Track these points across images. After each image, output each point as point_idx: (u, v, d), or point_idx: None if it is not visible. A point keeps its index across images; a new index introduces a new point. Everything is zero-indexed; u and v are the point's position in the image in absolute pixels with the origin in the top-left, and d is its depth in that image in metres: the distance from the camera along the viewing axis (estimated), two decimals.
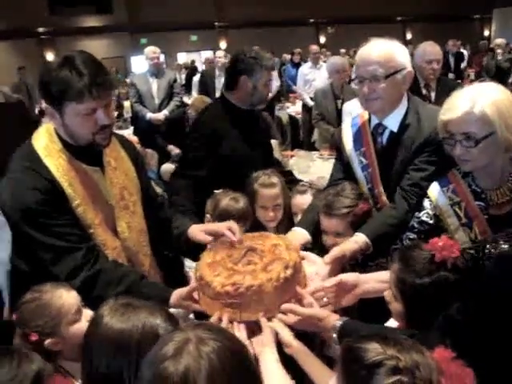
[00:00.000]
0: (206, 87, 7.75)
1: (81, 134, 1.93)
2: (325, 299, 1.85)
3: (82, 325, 1.77)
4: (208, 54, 16.31)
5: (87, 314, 1.82)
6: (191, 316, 2.03)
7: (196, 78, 8.76)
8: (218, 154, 2.96)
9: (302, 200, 2.73)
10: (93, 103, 1.85)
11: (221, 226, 2.04)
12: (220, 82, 7.80)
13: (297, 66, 10.95)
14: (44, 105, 1.96)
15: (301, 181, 3.22)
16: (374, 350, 1.16)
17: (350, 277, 1.87)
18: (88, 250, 1.93)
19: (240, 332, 1.63)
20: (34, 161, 1.94)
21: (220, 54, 8.21)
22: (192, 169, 2.99)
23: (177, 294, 1.89)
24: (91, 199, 2.00)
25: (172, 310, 1.87)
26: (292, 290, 1.76)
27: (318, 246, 2.31)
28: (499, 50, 11.23)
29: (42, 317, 1.73)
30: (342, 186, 2.28)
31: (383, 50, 2.17)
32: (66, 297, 1.78)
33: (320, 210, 2.25)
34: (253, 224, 2.56)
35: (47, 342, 1.72)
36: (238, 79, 3.03)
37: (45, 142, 1.98)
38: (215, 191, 2.72)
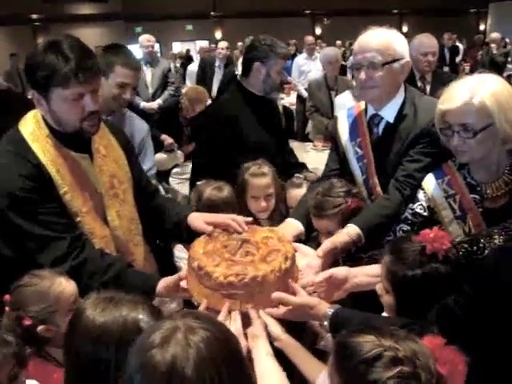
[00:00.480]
0: (204, 76, 7.71)
1: (68, 121, 1.90)
2: (315, 294, 1.84)
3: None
4: (203, 43, 16.20)
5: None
6: (173, 305, 2.02)
7: (191, 68, 8.69)
8: (234, 139, 3.00)
9: (298, 193, 2.70)
10: (79, 88, 1.82)
11: (224, 218, 1.99)
12: (220, 72, 7.78)
13: (292, 57, 10.91)
14: (31, 91, 1.91)
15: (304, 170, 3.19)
16: (369, 343, 1.13)
17: (340, 271, 1.86)
18: (73, 239, 1.89)
19: (235, 322, 1.62)
20: (20, 146, 1.90)
21: (223, 44, 8.15)
22: (207, 153, 3.09)
23: (164, 282, 1.86)
24: (79, 187, 1.96)
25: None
26: (288, 281, 1.76)
27: (311, 238, 2.30)
28: (493, 45, 11.24)
29: (38, 303, 1.73)
30: (330, 183, 2.25)
31: (382, 38, 2.16)
32: (66, 285, 1.78)
33: (310, 212, 2.24)
34: (245, 216, 2.54)
35: (40, 328, 1.71)
36: (252, 66, 3.09)
37: (32, 127, 1.94)
38: (197, 183, 2.72)
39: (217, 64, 7.78)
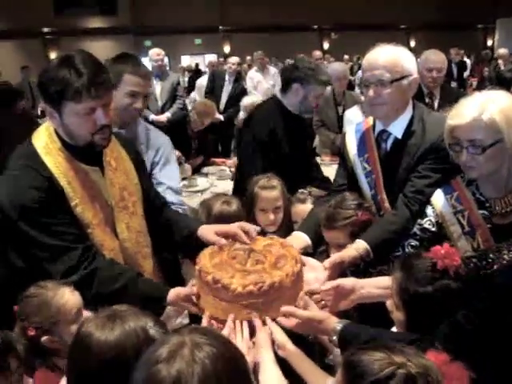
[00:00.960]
0: (214, 89, 7.77)
1: (79, 134, 1.92)
2: (322, 302, 1.85)
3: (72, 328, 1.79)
4: (212, 57, 16.33)
5: (87, 316, 1.83)
6: (179, 320, 2.02)
7: (200, 81, 8.75)
8: (272, 152, 3.11)
9: (303, 208, 2.72)
10: (91, 103, 1.85)
11: (232, 227, 2.00)
12: (229, 86, 7.85)
13: None
14: (43, 104, 1.95)
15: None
16: (380, 361, 1.11)
17: (347, 281, 1.86)
18: (84, 249, 1.92)
19: (243, 332, 1.62)
20: (33, 159, 1.93)
21: (234, 60, 8.21)
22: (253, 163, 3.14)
23: (175, 292, 1.86)
24: (90, 199, 1.98)
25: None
26: (300, 286, 1.77)
27: (318, 252, 2.31)
28: (500, 61, 11.24)
29: (41, 313, 1.75)
30: (342, 196, 2.28)
31: (390, 56, 2.18)
32: (69, 297, 1.79)
33: (321, 223, 2.25)
34: None
35: (43, 338, 1.73)
36: (291, 85, 3.19)
37: (44, 141, 1.97)
38: (204, 198, 2.74)
39: (227, 78, 7.83)
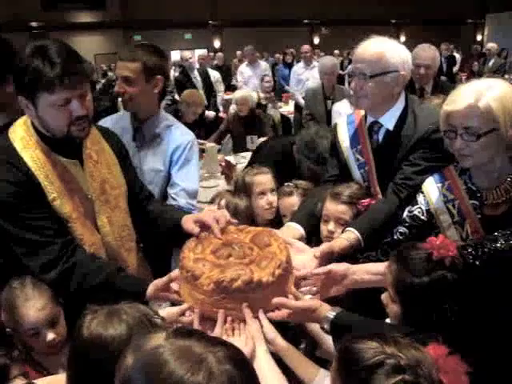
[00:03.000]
0: (186, 83, 7.93)
1: (55, 126, 1.87)
2: (314, 288, 1.85)
3: (41, 345, 1.85)
4: (202, 52, 16.26)
5: (49, 337, 1.86)
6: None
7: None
8: None
9: (289, 201, 2.73)
10: (65, 93, 1.79)
11: (209, 218, 1.92)
12: (199, 81, 8.06)
13: (289, 66, 10.95)
14: (19, 97, 1.86)
15: None
16: (372, 350, 1.14)
17: (339, 267, 1.86)
18: (64, 244, 1.88)
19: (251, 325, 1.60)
20: (9, 153, 1.88)
21: (201, 53, 8.54)
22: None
23: (154, 285, 1.83)
24: (69, 193, 1.94)
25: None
26: (287, 281, 1.75)
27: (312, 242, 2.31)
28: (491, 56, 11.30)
29: (6, 311, 1.83)
30: (349, 183, 2.33)
31: (375, 50, 2.19)
32: (33, 313, 1.82)
33: (327, 197, 2.28)
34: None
35: (7, 330, 1.83)
36: None
37: (21, 134, 1.92)
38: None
39: (195, 73, 8.17)
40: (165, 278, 1.82)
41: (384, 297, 1.71)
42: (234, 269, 1.64)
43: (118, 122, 2.71)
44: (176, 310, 1.72)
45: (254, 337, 1.55)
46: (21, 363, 1.74)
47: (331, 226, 2.25)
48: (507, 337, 1.62)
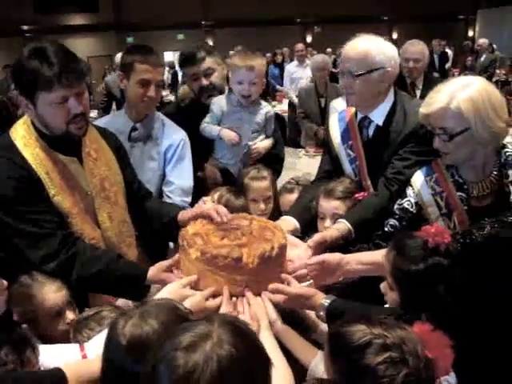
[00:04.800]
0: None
1: (54, 124, 1.94)
2: (308, 278, 1.90)
3: (61, 327, 1.87)
4: None
5: (69, 316, 1.90)
6: None
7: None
8: None
9: (291, 198, 2.77)
10: (63, 91, 1.87)
11: (208, 208, 2.04)
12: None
13: (279, 66, 11.02)
14: (19, 97, 1.97)
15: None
16: (360, 332, 1.21)
17: (333, 257, 1.91)
18: (64, 236, 1.94)
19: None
20: (10, 151, 1.95)
21: None
22: None
23: (156, 267, 1.90)
24: (68, 189, 2.00)
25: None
26: (282, 267, 1.83)
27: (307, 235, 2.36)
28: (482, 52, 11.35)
29: (23, 304, 1.83)
30: (341, 178, 2.37)
31: (360, 49, 2.24)
32: (51, 296, 1.86)
33: (320, 194, 2.32)
34: None
35: (23, 326, 1.81)
36: None
37: (22, 133, 2.00)
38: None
39: None
40: (169, 261, 1.90)
41: (383, 286, 1.76)
42: (226, 247, 1.73)
43: (111, 122, 2.74)
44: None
45: (258, 316, 1.62)
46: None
47: (327, 222, 2.29)
48: (494, 311, 1.70)
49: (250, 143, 2.91)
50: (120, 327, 1.26)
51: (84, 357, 1.58)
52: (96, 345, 1.56)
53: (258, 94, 2.93)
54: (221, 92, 3.07)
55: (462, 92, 1.85)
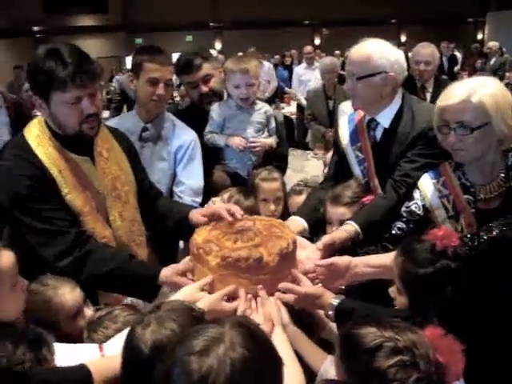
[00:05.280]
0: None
1: (67, 123, 1.98)
2: (316, 280, 1.90)
3: (81, 324, 1.86)
4: None
5: (87, 313, 1.90)
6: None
7: None
8: None
9: (299, 200, 2.77)
10: (77, 92, 1.90)
11: (218, 208, 2.06)
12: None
13: (288, 68, 11.01)
14: (34, 96, 2.01)
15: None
16: (371, 334, 1.22)
17: (342, 260, 1.92)
18: (78, 233, 1.97)
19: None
20: (24, 150, 1.99)
21: None
22: None
23: (169, 269, 1.91)
24: (81, 188, 2.03)
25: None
26: (292, 265, 1.84)
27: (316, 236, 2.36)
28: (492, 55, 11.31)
29: (42, 311, 1.81)
30: (348, 181, 2.38)
31: (362, 53, 2.26)
32: (68, 296, 1.86)
33: (327, 201, 2.34)
34: None
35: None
36: None
37: (36, 132, 2.03)
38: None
39: None
40: (183, 265, 1.91)
41: (391, 290, 1.77)
42: (244, 249, 1.73)
43: (122, 123, 2.76)
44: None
45: (272, 317, 1.63)
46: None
47: (335, 228, 2.29)
48: (502, 314, 1.71)
49: (253, 139, 2.94)
50: (139, 335, 1.25)
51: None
52: (114, 345, 1.57)
53: (255, 95, 2.97)
54: (220, 97, 3.08)
55: (482, 87, 1.86)
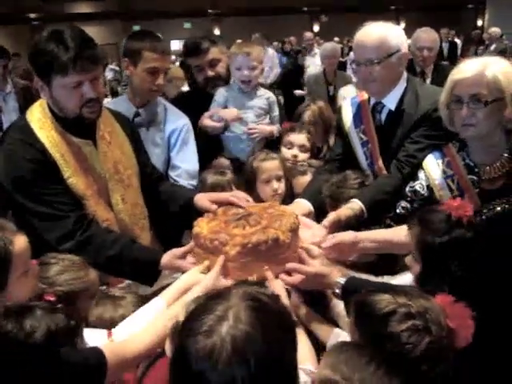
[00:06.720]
0: None
1: (68, 107, 1.98)
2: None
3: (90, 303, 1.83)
4: None
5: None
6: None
7: None
8: None
9: (303, 180, 2.77)
10: (77, 76, 1.90)
11: (227, 195, 2.08)
12: None
13: (287, 54, 10.94)
14: (35, 78, 2.00)
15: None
16: (385, 301, 1.27)
17: (347, 237, 1.93)
18: (79, 217, 1.98)
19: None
20: (26, 133, 1.99)
21: None
22: None
23: (171, 253, 1.92)
24: (83, 171, 2.04)
25: None
26: (297, 245, 1.85)
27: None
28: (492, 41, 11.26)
29: (66, 284, 1.73)
30: (344, 175, 2.33)
31: (376, 35, 2.25)
32: (93, 273, 1.82)
33: (325, 201, 2.32)
34: None
35: (58, 306, 1.74)
36: None
37: (38, 115, 2.03)
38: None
39: None
40: (185, 247, 1.92)
41: (407, 259, 1.79)
42: (258, 233, 1.73)
43: (114, 107, 2.73)
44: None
45: (278, 293, 1.62)
46: None
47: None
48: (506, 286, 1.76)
49: (252, 125, 2.94)
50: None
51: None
52: (123, 331, 1.59)
53: (257, 78, 2.97)
54: (226, 82, 3.08)
55: (495, 64, 1.88)
